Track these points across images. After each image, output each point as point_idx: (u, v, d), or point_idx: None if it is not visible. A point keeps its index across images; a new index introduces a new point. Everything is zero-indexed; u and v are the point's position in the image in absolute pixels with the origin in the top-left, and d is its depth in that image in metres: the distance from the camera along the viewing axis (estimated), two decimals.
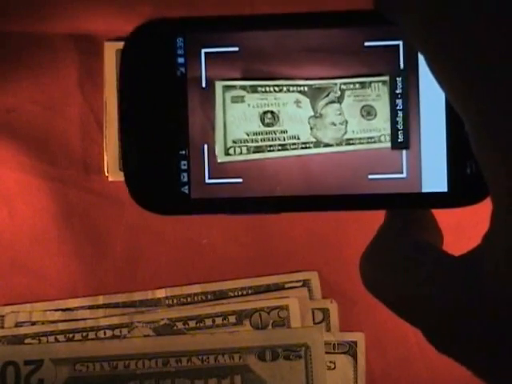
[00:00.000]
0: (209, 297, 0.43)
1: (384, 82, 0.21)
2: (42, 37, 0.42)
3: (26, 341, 0.42)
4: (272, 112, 0.21)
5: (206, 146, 0.21)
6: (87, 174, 0.43)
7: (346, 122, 0.21)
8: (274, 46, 0.21)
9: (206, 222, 0.43)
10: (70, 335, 0.43)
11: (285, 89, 0.21)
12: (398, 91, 0.21)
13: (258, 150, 0.21)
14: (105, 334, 0.43)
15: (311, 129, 0.21)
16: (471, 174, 0.20)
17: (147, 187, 0.21)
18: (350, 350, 0.43)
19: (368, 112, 0.21)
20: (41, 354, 0.42)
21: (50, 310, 0.43)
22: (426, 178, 0.21)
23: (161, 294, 0.43)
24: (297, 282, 0.43)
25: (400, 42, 0.20)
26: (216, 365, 0.42)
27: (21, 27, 0.42)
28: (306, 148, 0.21)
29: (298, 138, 0.21)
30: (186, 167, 0.21)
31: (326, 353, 0.43)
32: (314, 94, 0.21)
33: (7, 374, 0.42)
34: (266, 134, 0.21)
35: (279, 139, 0.21)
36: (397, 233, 0.19)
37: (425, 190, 0.21)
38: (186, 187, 0.21)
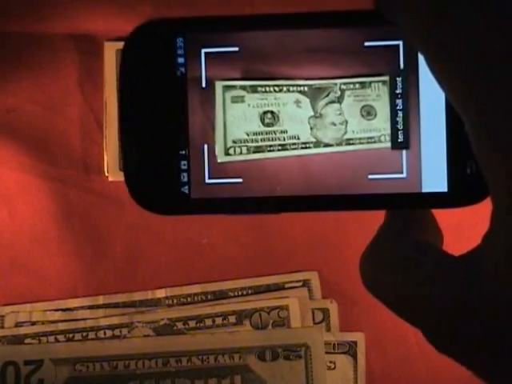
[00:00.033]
0: (209, 297, 0.43)
1: (384, 82, 0.21)
2: (42, 37, 0.42)
3: (26, 341, 0.42)
4: (272, 112, 0.21)
5: (205, 146, 0.21)
6: (87, 174, 0.43)
7: (346, 121, 0.21)
8: (274, 46, 0.21)
9: (206, 222, 0.43)
10: (70, 335, 0.42)
11: (285, 89, 0.21)
12: (398, 91, 0.21)
13: (258, 150, 0.21)
14: (105, 334, 0.43)
15: (311, 129, 0.21)
16: (471, 173, 0.20)
17: (147, 187, 0.21)
18: (350, 349, 0.43)
19: (368, 112, 0.21)
20: (41, 354, 0.42)
21: (50, 310, 0.43)
22: (425, 178, 0.21)
23: (161, 294, 0.43)
24: (297, 282, 0.43)
25: (400, 42, 0.20)
26: (216, 365, 0.42)
27: (21, 27, 0.42)
28: (306, 148, 0.21)
29: (298, 138, 0.21)
30: (186, 167, 0.21)
31: (326, 353, 0.43)
32: (314, 94, 0.21)
33: (7, 374, 0.42)
34: (266, 133, 0.21)
35: (279, 139, 0.21)
36: (397, 233, 0.19)
37: (425, 190, 0.21)
38: (186, 187, 0.21)
